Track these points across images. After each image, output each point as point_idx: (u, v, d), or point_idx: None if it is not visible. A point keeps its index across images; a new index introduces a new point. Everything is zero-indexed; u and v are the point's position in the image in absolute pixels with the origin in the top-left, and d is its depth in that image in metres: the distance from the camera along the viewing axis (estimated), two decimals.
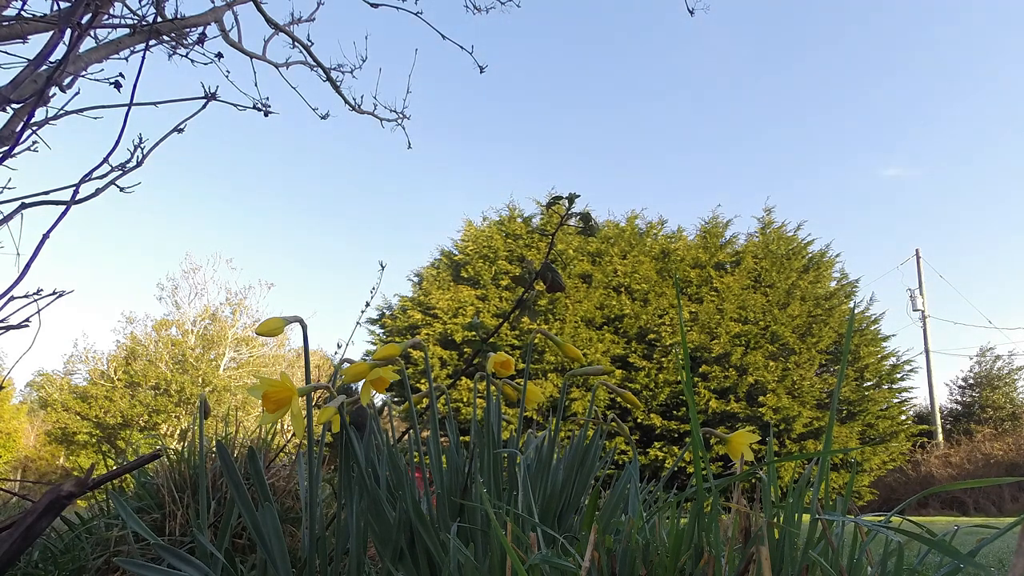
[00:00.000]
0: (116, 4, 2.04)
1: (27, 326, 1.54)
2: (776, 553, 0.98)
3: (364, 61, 3.55)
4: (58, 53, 1.60)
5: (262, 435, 2.56)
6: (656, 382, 12.30)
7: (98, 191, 1.61)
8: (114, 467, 1.60)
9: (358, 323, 3.01)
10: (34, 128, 1.63)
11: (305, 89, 3.31)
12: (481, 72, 3.53)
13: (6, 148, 1.53)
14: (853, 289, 14.14)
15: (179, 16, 2.31)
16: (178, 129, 1.74)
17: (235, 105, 2.14)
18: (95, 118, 1.75)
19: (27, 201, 1.53)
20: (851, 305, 13.76)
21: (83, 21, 1.61)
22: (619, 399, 1.62)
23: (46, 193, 1.54)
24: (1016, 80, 28.53)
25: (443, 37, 3.32)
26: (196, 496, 1.94)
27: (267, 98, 2.71)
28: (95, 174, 1.58)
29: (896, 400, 13.66)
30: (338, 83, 3.46)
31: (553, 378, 12.30)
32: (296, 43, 3.29)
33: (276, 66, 3.20)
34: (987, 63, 30.61)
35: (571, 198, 1.70)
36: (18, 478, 20.64)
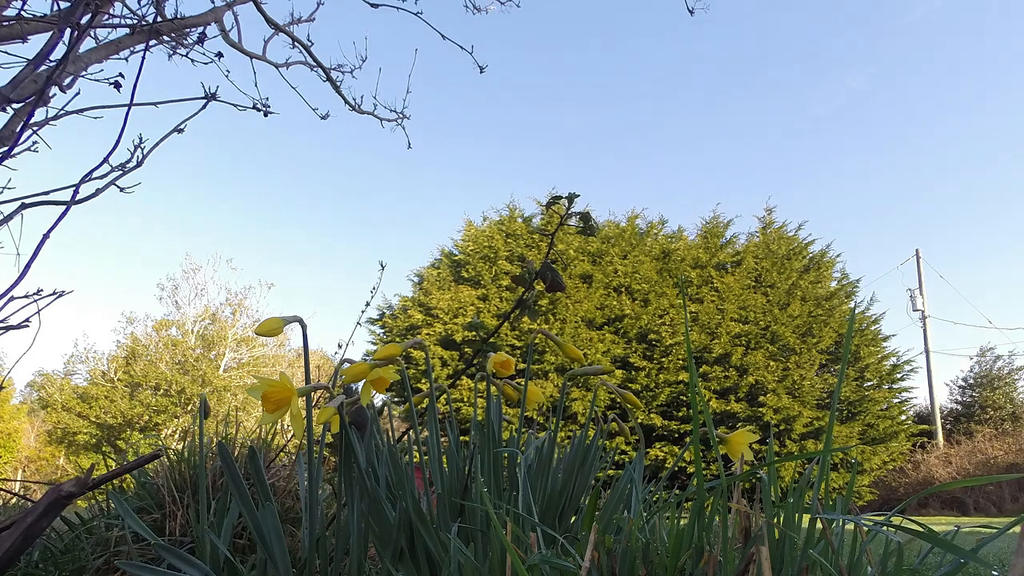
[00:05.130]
0: (116, 4, 2.04)
1: (27, 326, 1.54)
2: (776, 553, 0.98)
3: (364, 61, 3.55)
4: (58, 53, 1.60)
5: (262, 435, 2.56)
6: (656, 382, 12.29)
7: (98, 191, 1.61)
8: (114, 467, 1.60)
9: (358, 323, 3.01)
10: (34, 128, 1.63)
11: (305, 89, 3.31)
12: (481, 72, 3.53)
13: (6, 148, 1.53)
14: (853, 289, 14.14)
15: (179, 16, 2.31)
16: (178, 129, 1.74)
17: (235, 105, 2.14)
18: (95, 118, 1.75)
19: (27, 201, 1.53)
20: (851, 305, 13.77)
21: (83, 21, 1.61)
22: (620, 399, 1.62)
23: (46, 193, 1.54)
24: (1016, 79, 28.54)
25: (443, 37, 3.32)
26: (196, 496, 1.94)
27: (267, 98, 2.71)
28: (95, 174, 1.58)
29: (896, 400, 13.66)
30: (338, 83, 3.46)
31: (554, 378, 12.30)
32: (296, 43, 3.29)
33: (276, 66, 3.20)
34: (988, 62, 30.62)
35: (571, 198, 1.70)
36: (18, 478, 20.66)
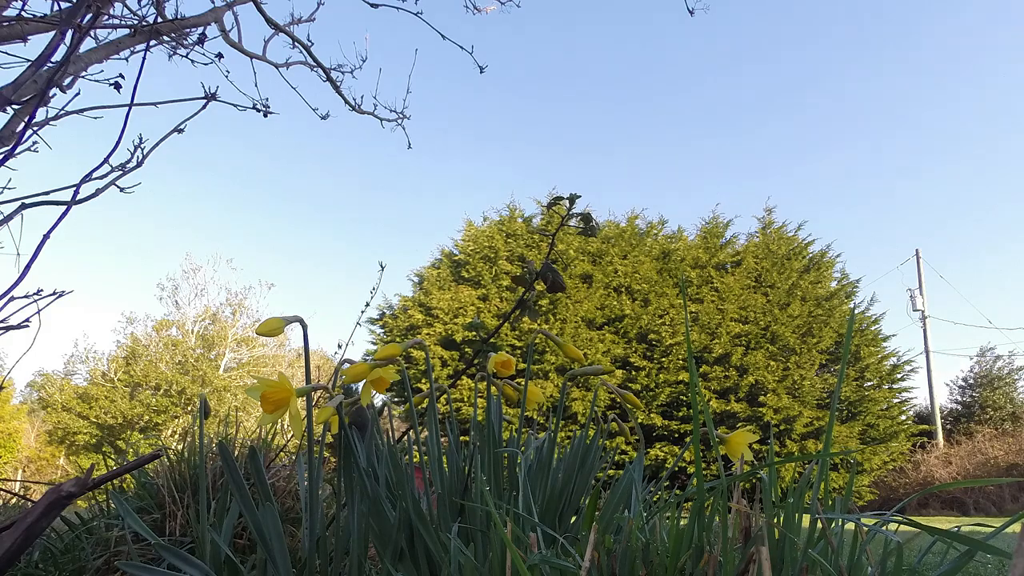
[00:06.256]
0: (116, 5, 2.04)
1: (27, 326, 1.54)
2: (776, 553, 0.98)
3: (364, 61, 3.55)
4: (59, 54, 1.60)
5: (262, 435, 2.56)
6: (656, 382, 12.29)
7: (98, 191, 1.61)
8: (114, 467, 1.60)
9: (358, 323, 3.02)
10: (35, 128, 1.63)
11: (305, 89, 3.31)
12: (481, 72, 3.53)
13: (7, 148, 1.54)
14: (853, 289, 14.14)
15: (179, 16, 2.31)
16: (178, 129, 1.74)
17: (235, 105, 2.14)
18: (95, 118, 1.75)
19: (27, 201, 1.53)
20: (851, 305, 13.76)
21: (84, 22, 1.61)
22: (620, 399, 1.62)
23: (46, 193, 1.54)
24: (1016, 79, 28.54)
25: (443, 37, 3.32)
26: (196, 496, 1.94)
27: (267, 98, 2.71)
28: (95, 174, 1.58)
29: (896, 400, 13.66)
30: (338, 83, 3.46)
31: (554, 378, 12.30)
32: (296, 43, 3.29)
33: (276, 66, 3.20)
34: (987, 63, 30.62)
35: (572, 198, 1.70)
36: (18, 478, 20.66)
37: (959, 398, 18.56)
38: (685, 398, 12.15)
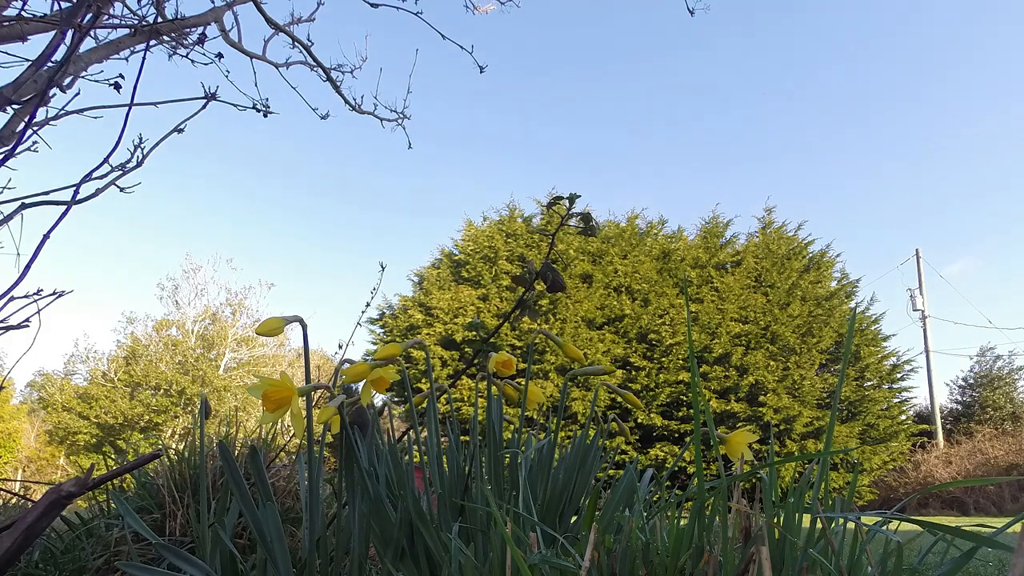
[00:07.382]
0: (116, 4, 2.04)
1: (27, 326, 1.54)
2: (776, 553, 0.98)
3: (364, 61, 3.55)
4: (59, 54, 1.60)
5: (262, 435, 2.56)
6: (657, 382, 12.29)
7: (98, 191, 1.61)
8: (114, 467, 1.60)
9: (358, 323, 3.02)
10: (35, 128, 1.63)
11: (305, 89, 3.31)
12: (481, 72, 3.53)
13: (7, 148, 1.54)
14: (853, 289, 14.14)
15: (179, 16, 2.31)
16: (178, 129, 1.74)
17: (235, 105, 2.14)
18: (95, 118, 1.75)
19: (27, 201, 1.53)
20: (852, 305, 13.77)
21: (84, 22, 1.61)
22: (620, 399, 1.62)
23: (46, 193, 1.54)
24: (1015, 79, 28.55)
25: (443, 37, 3.32)
26: (196, 496, 1.94)
27: (267, 98, 2.71)
28: (95, 174, 1.58)
29: (896, 400, 13.67)
30: (338, 83, 3.46)
31: (554, 378, 12.30)
32: (296, 43, 3.29)
33: (276, 66, 3.20)
34: (986, 62, 30.64)
35: (571, 198, 1.70)
36: (18, 478, 20.65)
37: (959, 398, 18.57)
38: (685, 398, 12.15)
